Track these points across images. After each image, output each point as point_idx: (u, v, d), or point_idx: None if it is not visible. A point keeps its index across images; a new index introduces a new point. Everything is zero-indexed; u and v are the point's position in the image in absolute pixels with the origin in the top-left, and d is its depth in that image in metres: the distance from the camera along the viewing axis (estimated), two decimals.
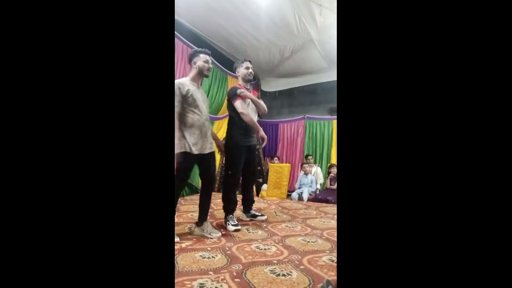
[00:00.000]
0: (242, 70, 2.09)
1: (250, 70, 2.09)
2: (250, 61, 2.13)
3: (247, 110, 1.99)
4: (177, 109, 1.60)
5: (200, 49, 1.76)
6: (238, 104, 1.96)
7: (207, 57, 1.72)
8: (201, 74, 1.73)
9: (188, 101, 1.63)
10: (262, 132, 2.05)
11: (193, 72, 1.72)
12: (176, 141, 1.64)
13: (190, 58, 1.73)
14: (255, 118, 2.13)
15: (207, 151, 1.70)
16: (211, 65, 1.76)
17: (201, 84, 1.89)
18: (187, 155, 1.61)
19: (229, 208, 1.99)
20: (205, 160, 1.70)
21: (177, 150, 1.62)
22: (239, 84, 2.12)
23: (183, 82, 1.66)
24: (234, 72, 2.22)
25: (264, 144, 2.08)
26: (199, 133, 1.66)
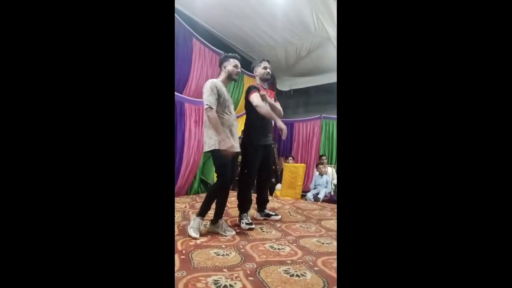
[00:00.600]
0: (260, 69, 2.13)
1: (268, 70, 2.13)
2: (268, 61, 2.17)
3: (262, 103, 1.99)
4: (215, 107, 1.67)
5: (230, 54, 1.84)
6: (254, 97, 1.96)
7: (237, 62, 1.82)
8: (230, 78, 1.82)
9: (220, 102, 1.71)
10: (280, 122, 1.97)
11: (223, 75, 1.81)
12: (207, 140, 1.72)
13: (221, 62, 1.82)
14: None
15: (235, 149, 1.76)
16: (240, 70, 1.84)
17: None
18: (222, 152, 1.67)
19: (244, 207, 2.01)
20: (232, 159, 1.74)
21: (209, 148, 1.70)
22: (257, 84, 2.14)
23: (218, 83, 1.75)
24: (252, 72, 2.25)
25: (284, 136, 2.01)
26: (229, 131, 1.74)
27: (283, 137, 2.02)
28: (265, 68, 2.12)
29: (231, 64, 1.79)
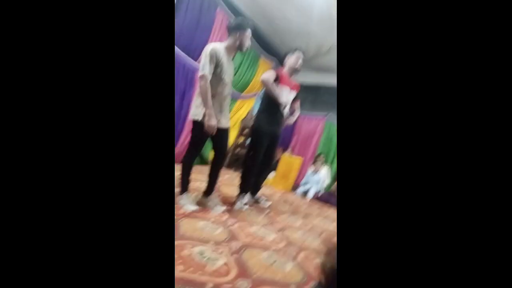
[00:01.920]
0: (292, 59, 2.06)
1: (300, 61, 2.06)
2: (303, 53, 2.08)
3: (270, 79, 1.96)
4: (210, 76, 1.53)
5: (247, 22, 1.65)
6: (265, 73, 1.96)
7: (250, 34, 1.66)
8: (239, 48, 1.65)
9: (216, 71, 1.56)
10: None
11: (231, 42, 1.63)
12: (193, 108, 1.60)
13: (234, 28, 1.62)
14: (289, 101, 2.13)
15: (222, 125, 1.64)
16: (250, 42, 1.71)
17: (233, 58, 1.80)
18: (201, 124, 1.56)
19: (244, 187, 2.03)
20: (219, 134, 1.63)
21: (192, 116, 1.59)
22: (283, 73, 2.07)
23: (219, 49, 1.58)
24: (283, 60, 2.17)
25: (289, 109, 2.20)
26: (218, 105, 1.61)
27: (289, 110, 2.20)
28: (297, 58, 2.05)
29: (246, 35, 1.62)
